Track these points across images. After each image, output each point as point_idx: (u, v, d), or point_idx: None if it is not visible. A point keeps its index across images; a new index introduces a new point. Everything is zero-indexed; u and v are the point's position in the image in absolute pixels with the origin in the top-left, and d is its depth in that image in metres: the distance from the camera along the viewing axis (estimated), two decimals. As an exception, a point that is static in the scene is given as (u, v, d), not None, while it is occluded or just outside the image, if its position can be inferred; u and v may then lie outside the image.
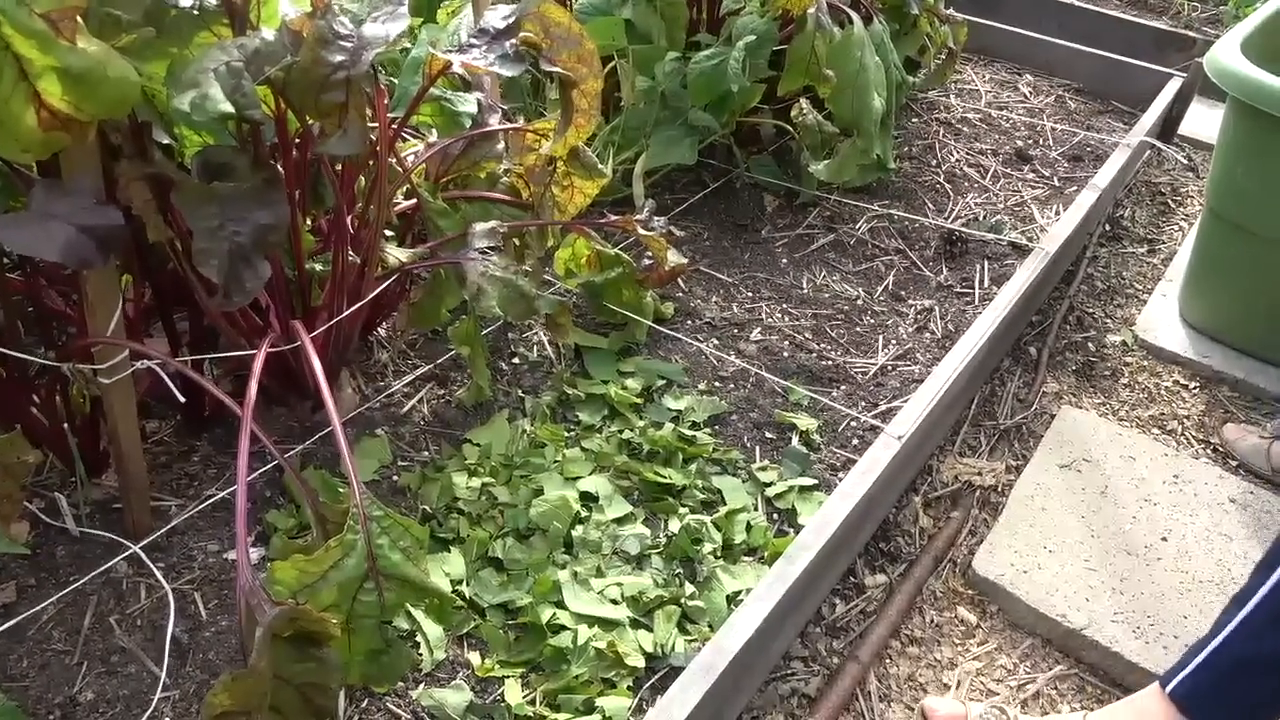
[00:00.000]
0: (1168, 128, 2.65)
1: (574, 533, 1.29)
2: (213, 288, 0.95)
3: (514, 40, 1.11)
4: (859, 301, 1.89)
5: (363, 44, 0.89)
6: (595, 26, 1.92)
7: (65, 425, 1.22)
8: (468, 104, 1.36)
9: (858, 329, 1.81)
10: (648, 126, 1.99)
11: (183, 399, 1.09)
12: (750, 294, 1.87)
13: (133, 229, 1.08)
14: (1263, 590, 0.96)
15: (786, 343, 1.74)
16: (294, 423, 1.43)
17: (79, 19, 0.83)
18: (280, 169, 1.06)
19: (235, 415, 0.99)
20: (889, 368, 1.71)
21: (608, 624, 1.15)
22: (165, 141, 1.06)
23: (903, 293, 1.93)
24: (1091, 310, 2.00)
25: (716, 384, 1.63)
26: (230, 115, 0.81)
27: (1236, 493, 1.53)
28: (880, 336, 1.79)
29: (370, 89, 1.04)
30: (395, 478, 1.38)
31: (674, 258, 1.59)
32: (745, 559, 1.32)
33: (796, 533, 1.30)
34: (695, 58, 1.90)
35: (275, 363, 1.27)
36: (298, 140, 1.14)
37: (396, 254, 1.34)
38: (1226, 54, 1.66)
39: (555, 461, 1.41)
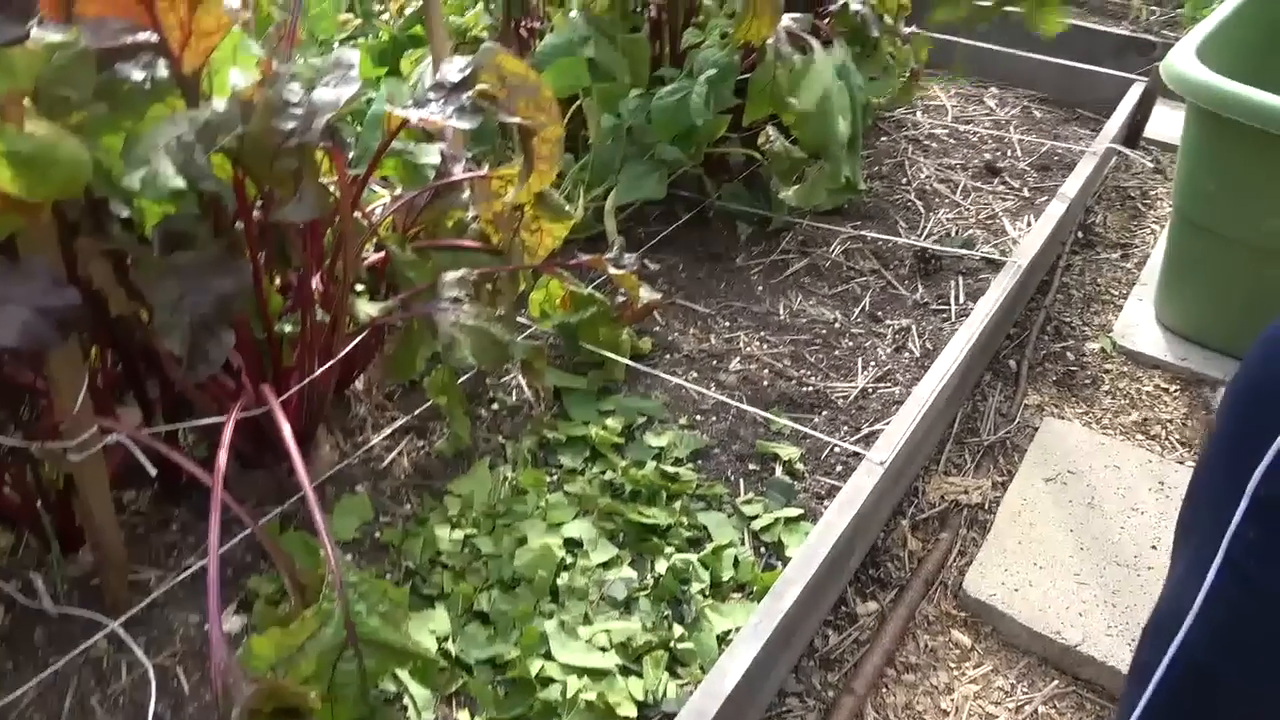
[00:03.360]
0: (1133, 132, 2.68)
1: (559, 580, 1.27)
2: (177, 360, 0.95)
3: (470, 93, 1.11)
4: (836, 325, 1.89)
5: (314, 110, 0.89)
6: (558, 67, 1.93)
7: (38, 503, 1.21)
8: (430, 155, 1.37)
9: (836, 353, 1.81)
10: (616, 163, 1.99)
11: (154, 471, 1.08)
12: (727, 324, 1.87)
13: (97, 302, 1.07)
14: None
15: (766, 371, 1.74)
16: (272, 484, 1.42)
17: (26, 102, 0.83)
18: (242, 234, 1.06)
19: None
20: (869, 390, 1.71)
21: (597, 674, 1.14)
22: (125, 214, 1.05)
23: (880, 313, 1.93)
24: (1069, 319, 2.01)
25: (698, 418, 1.62)
26: (182, 190, 0.81)
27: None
28: (859, 359, 1.79)
29: (330, 149, 1.04)
30: (377, 534, 1.37)
31: (647, 294, 1.59)
32: (734, 595, 1.30)
33: (784, 565, 1.29)
34: (658, 93, 1.91)
35: (250, 425, 1.26)
36: (261, 202, 1.13)
37: (367, 309, 1.33)
38: (1182, 60, 1.68)
39: (538, 508, 1.40)
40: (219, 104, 0.90)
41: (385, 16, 2.42)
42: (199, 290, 0.95)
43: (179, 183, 0.80)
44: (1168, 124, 2.71)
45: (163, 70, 0.94)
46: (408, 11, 2.35)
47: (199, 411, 1.27)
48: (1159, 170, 2.62)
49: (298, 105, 0.89)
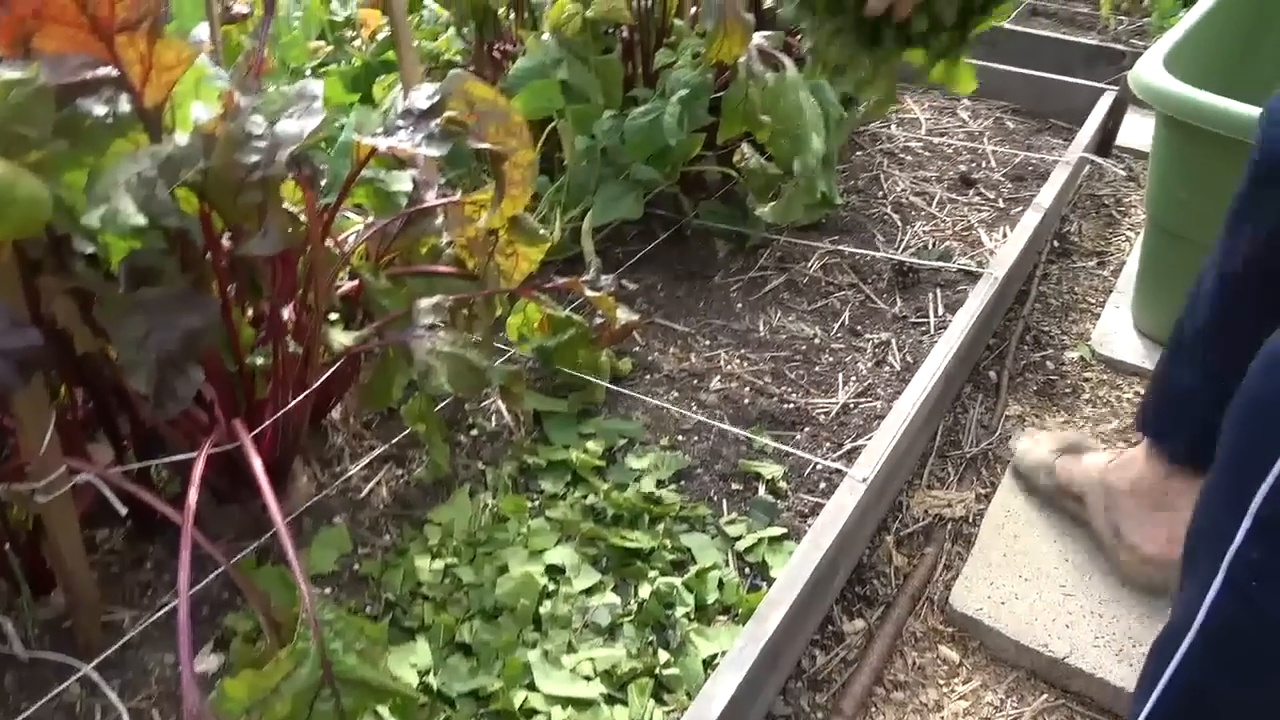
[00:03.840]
0: (1105, 140, 2.70)
1: (542, 609, 1.26)
2: (144, 398, 0.93)
3: (439, 120, 1.10)
4: (816, 340, 1.89)
5: (277, 143, 0.88)
6: (531, 90, 1.93)
7: (6, 545, 1.18)
8: (402, 183, 1.36)
9: (817, 368, 1.81)
10: (592, 184, 1.99)
11: (125, 511, 1.06)
12: (708, 342, 1.87)
13: (63, 339, 1.05)
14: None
15: (747, 389, 1.73)
16: (249, 518, 1.40)
17: (-18, 141, 0.82)
18: (211, 268, 1.04)
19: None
20: (851, 405, 1.70)
21: (582, 704, 1.12)
22: (90, 251, 1.04)
23: (859, 327, 1.93)
24: (1047, 328, 2.01)
25: (679, 438, 1.61)
26: (143, 227, 0.80)
27: (1205, 503, 1.53)
28: (840, 374, 1.78)
29: (299, 179, 1.03)
30: (356, 566, 1.35)
31: (625, 315, 1.58)
32: (720, 619, 1.29)
33: (769, 586, 1.28)
34: (632, 114, 1.91)
35: (224, 459, 1.24)
36: (230, 234, 1.12)
37: (341, 338, 1.32)
38: (1149, 71, 1.69)
39: (520, 535, 1.39)
40: (181, 138, 0.88)
41: (357, 42, 2.41)
42: (166, 326, 0.93)
43: (140, 220, 0.79)
44: (1139, 132, 2.73)
45: (125, 105, 0.93)
46: (380, 37, 2.34)
47: (171, 447, 1.25)
48: (1132, 178, 2.64)
49: (261, 138, 0.88)
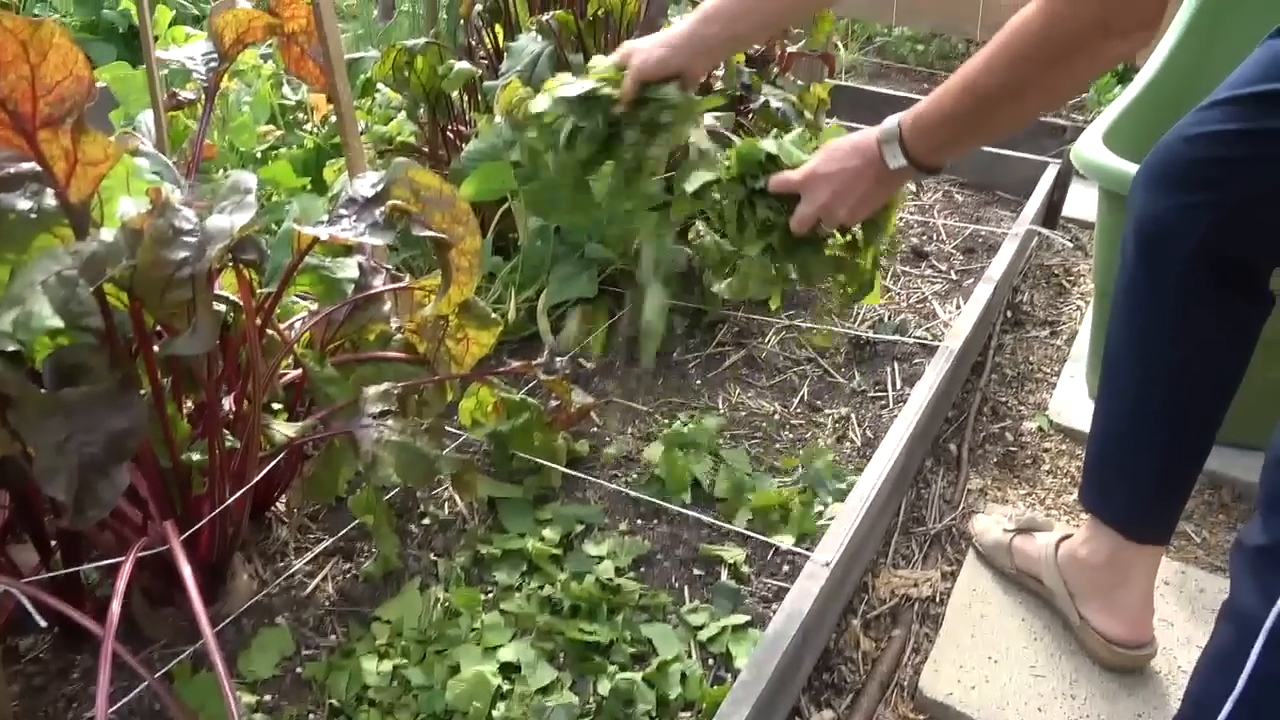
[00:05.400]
0: (1051, 212, 2.76)
1: (495, 712, 1.20)
2: (62, 506, 0.88)
3: (383, 208, 1.08)
4: (776, 416, 1.87)
5: (207, 238, 0.85)
6: (484, 171, 1.93)
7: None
8: (348, 270, 1.33)
9: (778, 446, 1.78)
10: (546, 263, 1.98)
11: (44, 624, 0.99)
12: (667, 421, 1.84)
13: (-19, 442, 1.00)
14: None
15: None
16: (185, 622, 1.32)
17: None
18: (141, 364, 1.00)
19: (124, 617, 0.90)
20: (812, 483, 1.67)
21: (536, 816, 1.06)
22: (11, 349, 0.99)
23: (818, 402, 1.92)
24: (1004, 399, 2.02)
25: (639, 521, 1.57)
26: (59, 330, 0.76)
27: (1168, 574, 1.52)
28: (801, 451, 1.76)
29: (237, 270, 1.00)
30: (299, 669, 1.28)
31: (580, 397, 1.55)
32: (682, 715, 1.24)
33: (733, 678, 1.23)
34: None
35: (159, 560, 1.18)
36: (162, 331, 1.08)
37: (283, 430, 1.27)
38: (1089, 148, 1.74)
39: (473, 630, 1.33)
40: (107, 234, 0.85)
41: (309, 126, 2.41)
42: (88, 428, 0.89)
43: (55, 323, 0.75)
44: (1085, 202, 2.80)
45: (50, 200, 0.90)
46: (332, 120, 2.34)
47: (101, 548, 1.19)
48: (1080, 247, 2.69)
49: (191, 233, 0.85)
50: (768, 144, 1.29)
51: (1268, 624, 0.76)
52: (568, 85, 1.33)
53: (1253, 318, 1.18)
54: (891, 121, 1.13)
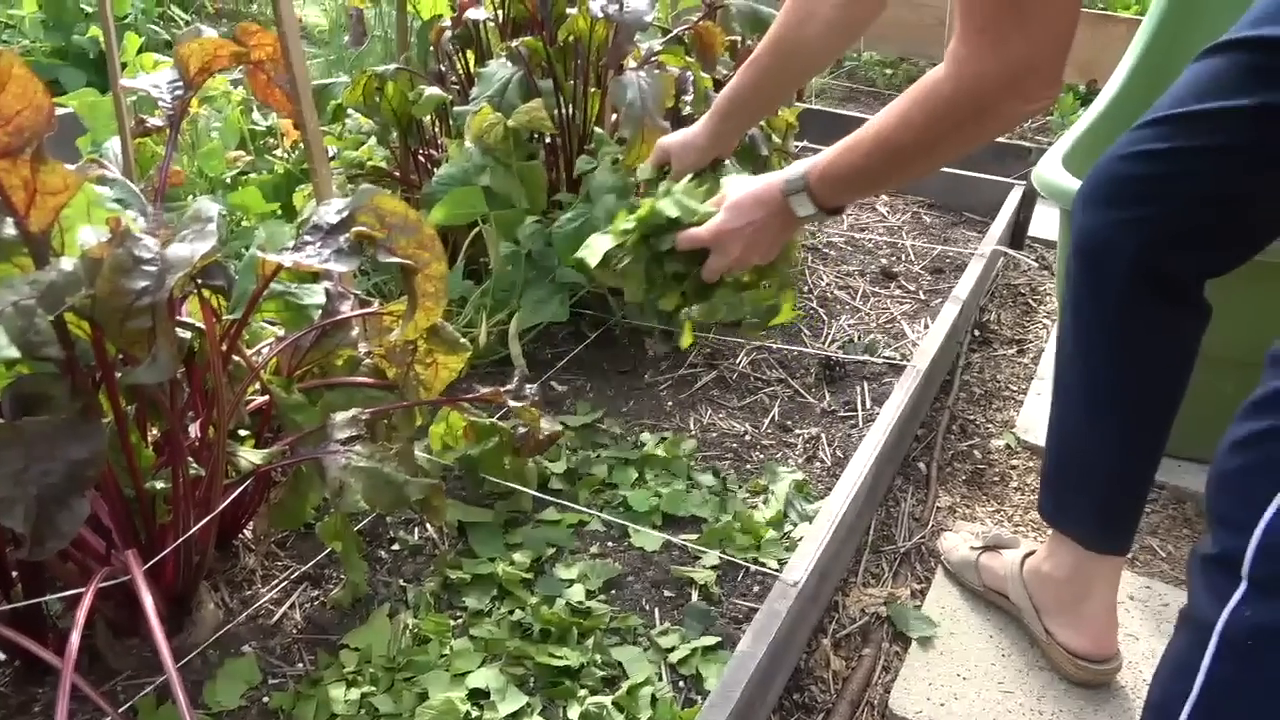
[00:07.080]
0: (1018, 232, 2.81)
1: (464, 738, 1.19)
2: (21, 537, 0.87)
3: (348, 235, 1.09)
4: (747, 437, 1.88)
5: (167, 267, 0.85)
6: (454, 196, 1.94)
7: None
8: (315, 296, 1.33)
9: (748, 466, 1.79)
10: (518, 288, 1.99)
11: (2, 656, 0.98)
12: (639, 443, 1.84)
13: (-60, 474, 0.99)
14: None
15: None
16: (150, 652, 1.31)
17: None
18: (101, 394, 0.99)
19: (88, 648, 0.89)
20: (783, 504, 1.68)
21: (504, 844, 1.05)
22: (-29, 378, 0.98)
23: (789, 423, 1.93)
24: (973, 417, 2.04)
25: (609, 544, 1.57)
26: (16, 360, 0.76)
27: (1133, 589, 1.53)
28: (771, 471, 1.77)
29: (200, 297, 1.00)
30: (265, 699, 1.27)
31: (548, 425, 1.56)
32: (653, 738, 1.23)
33: (704, 699, 1.23)
34: (559, 219, 1.92)
35: (123, 590, 1.17)
36: (123, 359, 1.08)
37: (249, 456, 1.27)
38: (1050, 170, 1.77)
39: (442, 657, 1.32)
40: (66, 264, 0.85)
41: (279, 151, 2.41)
42: (47, 458, 0.88)
43: (12, 352, 0.75)
44: (1049, 223, 2.85)
45: (10, 229, 0.90)
46: (303, 145, 2.34)
47: (63, 578, 1.17)
48: (1045, 267, 2.74)
49: (151, 262, 0.85)
50: (666, 206, 1.32)
51: (1218, 628, 0.78)
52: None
53: (1191, 328, 1.22)
54: (796, 172, 1.17)
